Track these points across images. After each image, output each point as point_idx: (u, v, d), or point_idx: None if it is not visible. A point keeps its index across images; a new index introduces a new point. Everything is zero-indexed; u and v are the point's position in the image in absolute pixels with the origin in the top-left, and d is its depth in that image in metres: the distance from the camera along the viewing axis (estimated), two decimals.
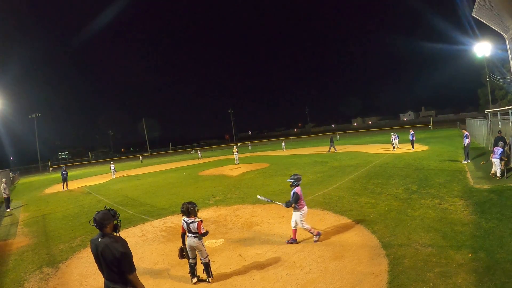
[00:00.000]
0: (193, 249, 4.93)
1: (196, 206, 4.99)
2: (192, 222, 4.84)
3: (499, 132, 12.01)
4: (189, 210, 4.86)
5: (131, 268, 2.98)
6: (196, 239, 4.87)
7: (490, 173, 10.39)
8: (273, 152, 35.37)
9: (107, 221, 3.02)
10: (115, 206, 11.97)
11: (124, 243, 3.02)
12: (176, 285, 5.08)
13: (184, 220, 4.92)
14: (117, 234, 3.12)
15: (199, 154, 40.56)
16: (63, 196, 17.49)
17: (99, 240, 2.98)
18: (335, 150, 26.64)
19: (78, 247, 7.53)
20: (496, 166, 9.95)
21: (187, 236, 4.93)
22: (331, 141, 28.01)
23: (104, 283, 3.06)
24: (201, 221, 4.91)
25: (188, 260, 5.02)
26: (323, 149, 29.84)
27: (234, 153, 25.39)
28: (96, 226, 3.00)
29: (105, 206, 3.24)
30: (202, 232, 4.85)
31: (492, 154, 10.28)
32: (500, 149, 9.97)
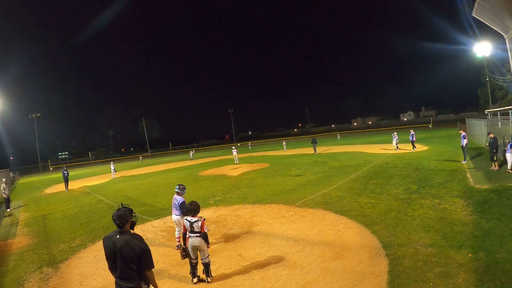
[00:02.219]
0: (195, 249, 4.93)
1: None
2: (196, 221, 4.85)
3: (491, 133, 12.45)
4: (196, 209, 4.95)
5: (151, 264, 3.02)
6: (199, 238, 4.87)
7: (506, 170, 10.90)
8: (273, 152, 35.40)
9: (129, 217, 3.08)
10: (115, 206, 11.97)
11: (142, 239, 3.07)
12: (176, 285, 5.08)
13: (186, 219, 4.92)
14: (133, 231, 3.16)
15: (191, 154, 38.66)
16: (63, 196, 17.51)
17: (118, 237, 2.98)
18: (315, 152, 26.11)
19: (78, 247, 7.54)
20: (509, 161, 10.65)
21: (189, 236, 4.94)
22: (314, 142, 27.52)
23: (116, 282, 3.03)
24: (204, 219, 4.95)
25: (190, 260, 5.02)
26: (322, 149, 29.86)
27: (234, 153, 25.40)
28: (118, 224, 3.02)
29: (121, 204, 3.28)
30: (205, 231, 4.87)
31: (506, 151, 10.94)
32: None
